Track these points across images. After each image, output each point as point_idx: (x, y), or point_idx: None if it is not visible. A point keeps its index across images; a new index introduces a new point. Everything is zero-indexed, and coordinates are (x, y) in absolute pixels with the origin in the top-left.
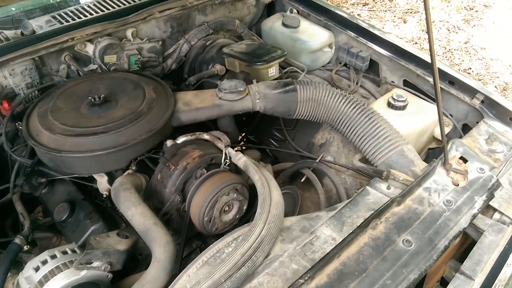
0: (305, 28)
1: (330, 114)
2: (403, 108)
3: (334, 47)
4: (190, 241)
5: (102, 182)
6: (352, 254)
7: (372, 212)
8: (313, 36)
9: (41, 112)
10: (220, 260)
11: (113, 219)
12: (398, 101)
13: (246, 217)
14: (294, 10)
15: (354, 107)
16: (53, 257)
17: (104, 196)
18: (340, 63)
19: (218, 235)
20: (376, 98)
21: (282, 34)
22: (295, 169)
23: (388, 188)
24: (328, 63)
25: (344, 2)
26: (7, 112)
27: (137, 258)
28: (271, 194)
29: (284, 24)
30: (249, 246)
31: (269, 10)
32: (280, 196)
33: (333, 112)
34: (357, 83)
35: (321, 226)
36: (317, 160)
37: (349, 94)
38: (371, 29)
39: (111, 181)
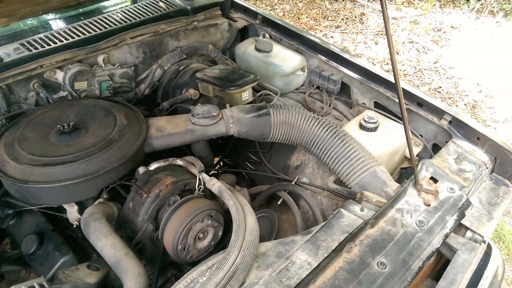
0: (277, 52)
1: (304, 137)
2: (374, 129)
3: (306, 71)
4: (165, 269)
5: (72, 212)
6: (328, 279)
7: (347, 235)
8: (286, 60)
9: (7, 141)
10: None
11: (84, 250)
12: (370, 122)
13: (222, 243)
14: (267, 35)
15: (327, 130)
16: None
17: (75, 226)
18: (313, 85)
19: (194, 263)
20: (349, 120)
21: (255, 58)
22: (271, 192)
23: (362, 210)
24: (301, 86)
25: (317, 25)
26: None
27: None
28: (245, 220)
29: (257, 49)
30: (223, 275)
31: (242, 34)
32: (255, 221)
33: (306, 135)
34: (329, 105)
35: (297, 250)
36: (293, 182)
37: (321, 116)
38: (341, 53)
39: (81, 210)
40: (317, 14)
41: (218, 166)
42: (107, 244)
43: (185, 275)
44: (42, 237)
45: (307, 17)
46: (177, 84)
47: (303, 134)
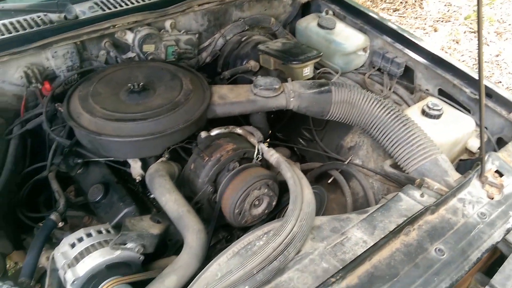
0: (340, 30)
1: (364, 117)
2: (438, 117)
3: (368, 51)
4: (216, 231)
5: (135, 168)
6: (384, 258)
7: (405, 218)
8: (349, 38)
9: (82, 95)
10: (251, 252)
11: (144, 204)
12: (433, 109)
13: (273, 213)
14: (330, 12)
15: (389, 112)
16: (89, 235)
17: (137, 181)
18: (374, 67)
19: (244, 229)
20: (409, 105)
21: (317, 34)
22: (323, 170)
23: (422, 196)
24: (361, 67)
25: (374, 6)
26: (48, 92)
27: (166, 244)
28: (303, 192)
29: (319, 25)
30: (281, 241)
31: (304, 10)
32: (312, 195)
33: (366, 115)
34: (390, 89)
35: (352, 228)
36: (346, 162)
37: (383, 99)
38: (408, 36)
39: (144, 166)
40: None
41: (269, 139)
42: (170, 200)
43: (241, 237)
44: (107, 187)
45: None
46: (238, 54)
47: (363, 115)
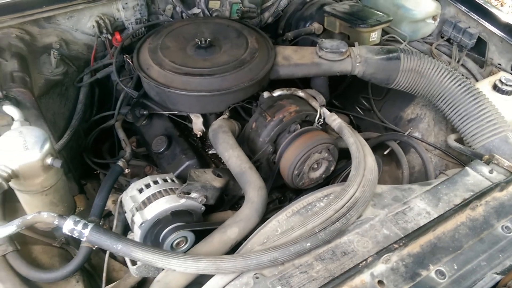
0: None
1: (431, 88)
2: (510, 93)
3: (438, 19)
4: (270, 192)
5: (197, 123)
6: (448, 231)
7: (471, 193)
8: (419, 4)
9: (151, 47)
10: (312, 212)
11: (203, 159)
12: (506, 85)
13: (328, 179)
14: None
15: (459, 85)
16: (155, 182)
17: (198, 136)
18: (442, 37)
19: (297, 191)
20: (477, 80)
21: None
22: (381, 140)
23: (491, 172)
24: (428, 36)
25: None
26: (118, 43)
27: (222, 198)
28: (365, 159)
29: None
30: (343, 204)
31: None
32: (374, 162)
33: (435, 86)
34: (458, 61)
35: (415, 198)
36: (406, 134)
37: (454, 70)
38: (485, 5)
39: (204, 122)
40: None
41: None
42: (233, 155)
43: (300, 198)
44: (170, 140)
45: None
46: (302, 15)
47: (431, 85)
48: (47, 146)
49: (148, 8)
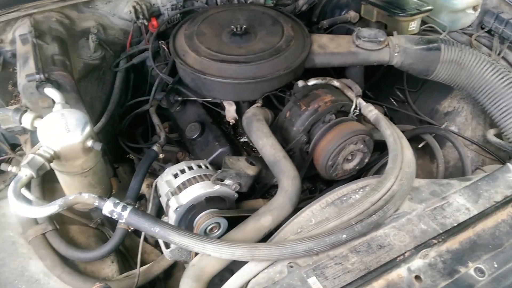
0: None
1: (472, 80)
2: None
3: (479, 10)
4: (301, 182)
5: (230, 110)
6: (488, 228)
7: None
8: None
9: (187, 34)
10: (347, 204)
11: (236, 146)
12: None
13: (362, 171)
14: None
15: (502, 78)
16: (190, 168)
17: (231, 123)
18: (483, 28)
19: (328, 182)
20: None
21: None
22: (416, 133)
23: None
24: (468, 27)
25: None
26: (154, 29)
27: (254, 186)
28: (403, 152)
29: None
30: (380, 196)
31: None
32: (412, 155)
33: (475, 79)
34: (499, 54)
35: (454, 193)
36: (443, 127)
37: (496, 63)
38: None
39: (237, 110)
40: None
41: None
42: (268, 144)
43: (334, 189)
44: (203, 126)
45: None
46: (338, 3)
47: (472, 78)
48: (88, 129)
49: None
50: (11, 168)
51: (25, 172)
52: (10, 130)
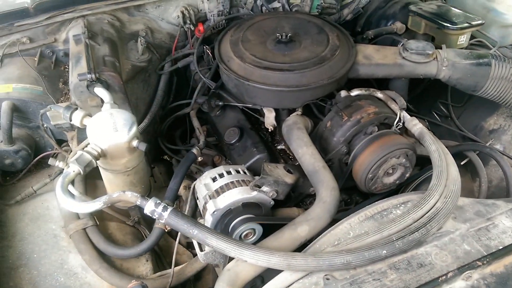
0: None
1: None
2: None
3: None
4: None
5: (269, 117)
6: None
7: None
8: (511, 8)
9: (233, 40)
10: (388, 219)
11: (273, 153)
12: None
13: (401, 185)
14: None
15: None
16: (229, 173)
17: (270, 130)
18: None
19: (364, 195)
20: None
21: (473, 0)
22: (459, 150)
23: None
24: None
25: None
26: (200, 34)
27: (289, 195)
28: (448, 169)
29: None
30: (422, 213)
31: None
32: (457, 172)
33: None
34: None
35: (500, 215)
36: (488, 145)
37: None
38: None
39: (276, 118)
40: None
41: None
42: (307, 153)
43: (373, 203)
44: (242, 131)
45: None
46: (384, 14)
47: None
48: (134, 129)
49: (230, 1)
50: (58, 163)
51: (73, 168)
52: (58, 126)
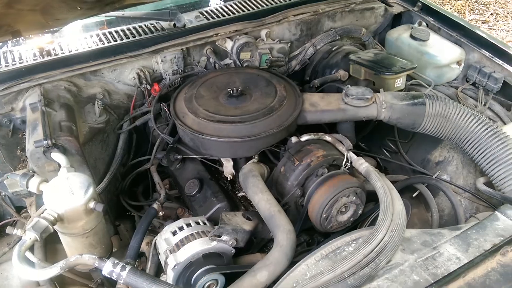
0: (434, 42)
1: (457, 132)
2: None
3: (463, 64)
4: (298, 235)
5: (227, 167)
6: (479, 277)
7: (502, 238)
8: (443, 51)
9: (187, 97)
10: (341, 257)
11: (233, 201)
12: None
13: (356, 222)
14: (423, 23)
15: (486, 129)
16: (188, 225)
17: (229, 179)
18: (468, 81)
19: (325, 234)
20: (504, 122)
21: (408, 46)
22: (409, 183)
23: None
24: (453, 80)
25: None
26: (156, 93)
27: (251, 241)
28: (393, 203)
29: (412, 36)
30: (371, 248)
31: (394, 21)
32: (402, 206)
33: (461, 130)
34: (484, 104)
35: (445, 243)
36: (434, 177)
37: (480, 114)
38: (510, 51)
39: (235, 166)
40: (463, 6)
41: None
42: (263, 199)
43: (329, 242)
44: (202, 182)
45: (450, 8)
46: (328, 63)
47: (458, 130)
48: (90, 191)
49: (184, 60)
50: (16, 231)
51: (29, 236)
52: (16, 193)
